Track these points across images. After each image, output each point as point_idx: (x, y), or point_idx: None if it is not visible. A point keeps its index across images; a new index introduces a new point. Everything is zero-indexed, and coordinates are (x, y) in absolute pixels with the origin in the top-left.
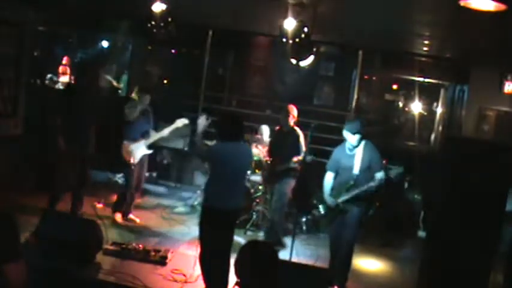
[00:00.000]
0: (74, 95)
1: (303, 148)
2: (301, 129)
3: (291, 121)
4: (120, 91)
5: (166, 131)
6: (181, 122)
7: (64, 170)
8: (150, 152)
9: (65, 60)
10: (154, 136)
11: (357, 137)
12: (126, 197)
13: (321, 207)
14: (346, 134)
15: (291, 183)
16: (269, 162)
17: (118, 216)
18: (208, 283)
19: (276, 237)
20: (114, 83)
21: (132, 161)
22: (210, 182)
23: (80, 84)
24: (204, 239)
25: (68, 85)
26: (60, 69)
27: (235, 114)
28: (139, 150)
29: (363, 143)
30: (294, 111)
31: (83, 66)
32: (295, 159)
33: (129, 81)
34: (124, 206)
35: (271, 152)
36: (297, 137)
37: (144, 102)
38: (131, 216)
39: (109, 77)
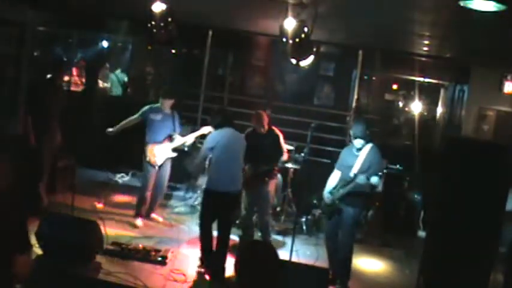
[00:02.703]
0: (43, 90)
1: (284, 148)
2: (301, 129)
3: (266, 124)
4: (111, 90)
5: (191, 137)
6: (206, 129)
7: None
8: (174, 155)
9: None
10: (180, 140)
11: (359, 141)
12: (145, 198)
13: (321, 203)
14: (351, 136)
15: (272, 182)
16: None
17: (138, 221)
18: (206, 259)
19: (269, 237)
20: (100, 84)
21: (156, 162)
22: (211, 168)
23: (49, 80)
24: (204, 214)
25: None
26: (74, 71)
27: (222, 106)
28: (164, 153)
29: (369, 146)
30: (264, 115)
31: (58, 63)
32: (284, 157)
33: (129, 81)
34: (142, 208)
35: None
36: (277, 137)
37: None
38: (153, 215)
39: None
